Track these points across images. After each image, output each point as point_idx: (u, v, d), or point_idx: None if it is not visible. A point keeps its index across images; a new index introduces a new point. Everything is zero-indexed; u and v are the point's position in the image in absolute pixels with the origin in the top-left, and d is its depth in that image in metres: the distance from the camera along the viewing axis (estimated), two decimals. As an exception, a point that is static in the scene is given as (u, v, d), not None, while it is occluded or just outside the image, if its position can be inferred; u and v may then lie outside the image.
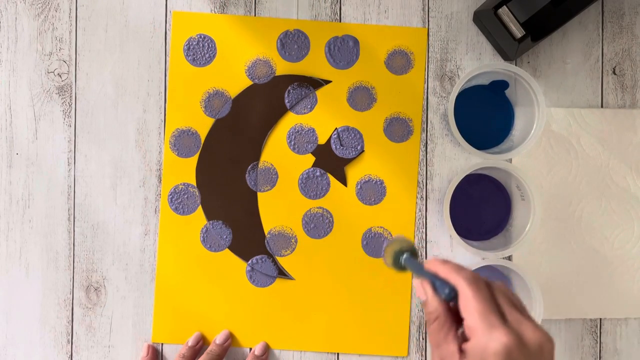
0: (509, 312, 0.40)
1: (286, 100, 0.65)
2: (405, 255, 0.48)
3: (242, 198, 0.65)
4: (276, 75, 0.65)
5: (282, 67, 0.65)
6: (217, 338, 0.63)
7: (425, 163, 0.66)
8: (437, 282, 0.43)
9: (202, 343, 0.64)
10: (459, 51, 0.66)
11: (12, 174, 0.65)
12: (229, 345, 0.64)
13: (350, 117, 0.66)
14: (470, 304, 0.40)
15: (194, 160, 0.65)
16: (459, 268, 0.43)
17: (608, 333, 0.66)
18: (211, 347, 0.63)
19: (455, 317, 0.42)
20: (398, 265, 0.48)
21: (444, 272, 0.43)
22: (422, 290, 0.43)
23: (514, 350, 0.38)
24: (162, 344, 0.64)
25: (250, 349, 0.65)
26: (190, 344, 0.63)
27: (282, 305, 0.65)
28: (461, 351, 0.40)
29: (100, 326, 0.65)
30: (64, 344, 0.64)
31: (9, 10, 0.65)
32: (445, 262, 0.44)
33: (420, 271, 0.45)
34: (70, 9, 0.65)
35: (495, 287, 0.42)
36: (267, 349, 0.64)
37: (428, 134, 0.66)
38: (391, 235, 0.65)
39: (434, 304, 0.42)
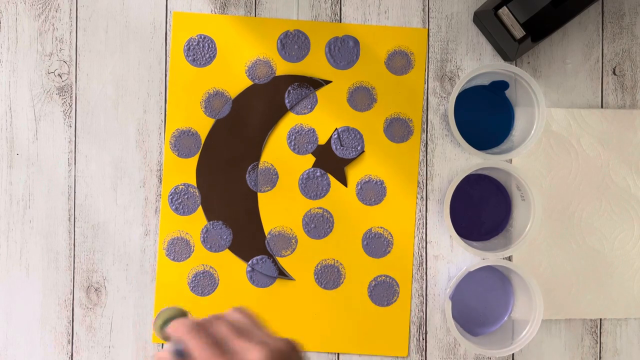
0: (232, 343, 0.41)
1: (286, 101, 0.65)
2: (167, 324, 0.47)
3: (243, 198, 0.65)
4: (276, 75, 0.66)
5: (283, 68, 0.65)
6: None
7: (425, 163, 0.66)
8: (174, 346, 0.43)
9: None
10: (459, 52, 0.66)
11: (13, 174, 0.65)
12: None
13: (350, 118, 0.66)
14: (194, 356, 0.41)
15: (194, 161, 0.65)
16: (181, 323, 0.43)
17: (608, 333, 0.66)
18: None
19: None
20: (163, 334, 0.47)
21: (175, 333, 0.43)
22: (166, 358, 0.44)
23: None
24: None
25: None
26: None
27: (282, 305, 0.65)
28: None
29: (100, 326, 0.65)
30: (64, 344, 0.65)
31: (9, 10, 0.65)
32: (175, 321, 0.44)
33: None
34: (70, 10, 0.65)
35: (216, 325, 0.42)
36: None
37: (428, 134, 0.66)
38: (391, 236, 0.65)
39: None
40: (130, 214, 0.65)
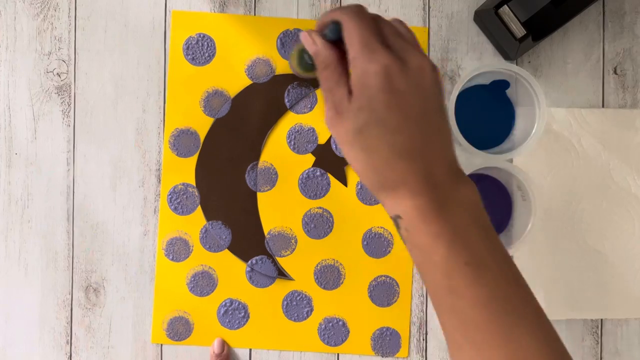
0: (394, 41, 0.40)
1: (286, 100, 0.65)
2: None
3: (242, 198, 0.65)
4: (276, 74, 0.65)
5: (282, 67, 0.65)
6: (214, 348, 0.63)
7: (425, 163, 0.65)
8: (325, 28, 0.41)
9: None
10: (460, 51, 0.66)
11: (11, 174, 0.65)
12: (228, 352, 0.64)
13: (350, 117, 0.65)
14: (352, 35, 0.39)
15: (193, 160, 0.65)
16: (345, 6, 0.41)
17: (609, 333, 0.66)
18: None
19: (346, 67, 0.41)
20: (303, 64, 0.45)
21: (329, 15, 0.42)
22: (311, 41, 0.42)
23: (393, 69, 0.38)
24: (161, 345, 0.64)
25: (251, 349, 0.65)
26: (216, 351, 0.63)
27: (282, 305, 0.65)
28: (350, 93, 0.40)
29: (99, 327, 0.64)
30: (63, 344, 0.64)
31: (8, 9, 0.65)
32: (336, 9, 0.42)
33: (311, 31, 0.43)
34: (69, 9, 0.65)
35: (382, 20, 0.41)
36: (224, 345, 0.64)
37: (428, 133, 0.66)
38: (392, 236, 0.65)
39: (325, 52, 0.41)
40: (129, 213, 0.65)
